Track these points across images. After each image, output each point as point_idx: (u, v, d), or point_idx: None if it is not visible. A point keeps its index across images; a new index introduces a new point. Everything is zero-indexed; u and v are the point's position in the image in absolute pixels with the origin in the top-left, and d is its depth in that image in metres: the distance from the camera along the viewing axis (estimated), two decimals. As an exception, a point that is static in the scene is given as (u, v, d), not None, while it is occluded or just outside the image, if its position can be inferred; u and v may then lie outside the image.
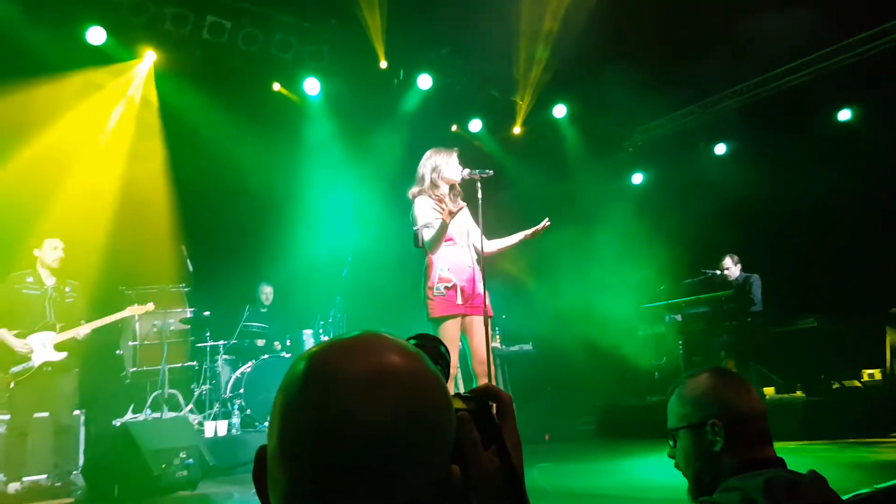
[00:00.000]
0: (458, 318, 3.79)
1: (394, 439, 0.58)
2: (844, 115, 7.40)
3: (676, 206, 8.05)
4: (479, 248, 3.91)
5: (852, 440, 5.17)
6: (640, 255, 7.86)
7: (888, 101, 6.64)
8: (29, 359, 4.87)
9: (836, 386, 6.25)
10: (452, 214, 3.66)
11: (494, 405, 0.82)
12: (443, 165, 3.97)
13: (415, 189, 4.00)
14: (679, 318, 7.17)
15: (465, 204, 3.99)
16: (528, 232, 3.93)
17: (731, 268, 7.24)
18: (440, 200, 3.72)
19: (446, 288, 3.76)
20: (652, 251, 7.83)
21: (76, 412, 5.55)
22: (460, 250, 3.90)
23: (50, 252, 5.08)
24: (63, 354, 4.99)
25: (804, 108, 7.40)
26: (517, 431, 0.82)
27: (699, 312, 7.09)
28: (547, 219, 3.83)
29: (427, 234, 3.82)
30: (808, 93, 7.41)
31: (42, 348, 4.93)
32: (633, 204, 8.62)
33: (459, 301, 3.76)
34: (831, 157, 6.67)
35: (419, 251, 3.93)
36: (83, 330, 5.05)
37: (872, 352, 6.31)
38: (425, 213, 3.87)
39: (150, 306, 5.41)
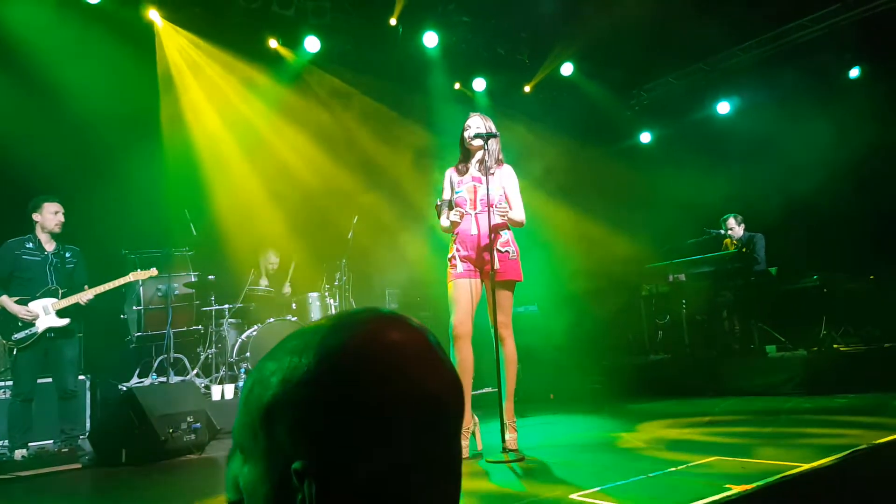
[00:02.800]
0: (466, 282, 3.94)
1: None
2: (854, 72, 7.29)
3: (683, 164, 7.98)
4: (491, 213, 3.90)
5: (852, 395, 5.24)
6: (645, 215, 7.82)
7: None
8: (32, 325, 4.79)
9: (836, 346, 6.31)
10: (454, 224, 3.92)
11: None
12: (463, 132, 4.10)
13: None
14: (683, 277, 7.18)
15: (501, 168, 4.07)
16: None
17: (735, 227, 7.24)
18: (460, 174, 4.07)
19: (449, 258, 4.00)
20: (657, 211, 7.78)
21: (81, 377, 5.51)
22: (468, 218, 3.98)
23: (51, 217, 4.95)
24: (66, 320, 4.91)
25: (813, 65, 7.26)
26: None
27: (703, 272, 7.10)
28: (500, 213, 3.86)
29: (439, 213, 4.06)
30: (818, 50, 7.27)
31: (45, 314, 4.85)
32: (640, 163, 8.55)
33: (460, 269, 3.93)
34: (840, 116, 6.57)
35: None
36: (86, 295, 4.96)
37: (875, 310, 6.35)
38: (443, 189, 4.16)
39: (153, 271, 5.31)
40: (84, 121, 5.75)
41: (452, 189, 4.09)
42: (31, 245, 4.94)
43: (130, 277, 5.18)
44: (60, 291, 4.93)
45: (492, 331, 3.87)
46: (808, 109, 6.96)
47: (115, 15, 6.15)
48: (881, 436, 3.25)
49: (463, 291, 3.90)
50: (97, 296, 5.02)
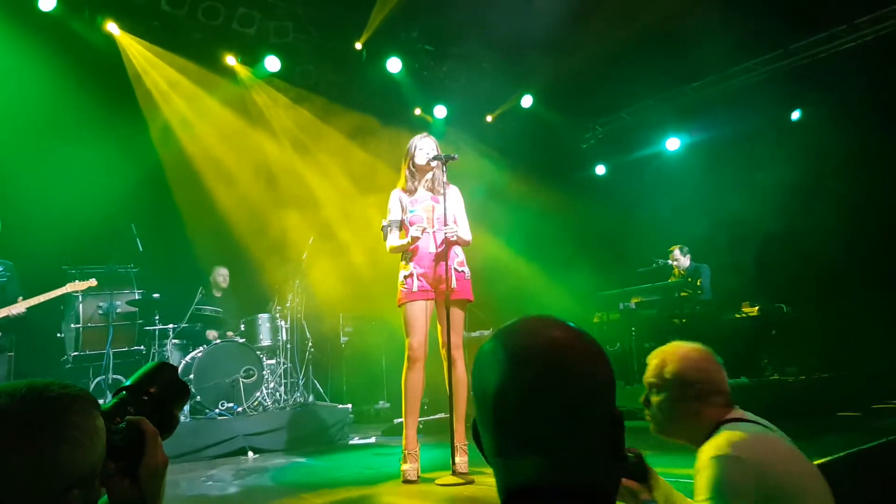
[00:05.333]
0: (422, 304, 3.92)
1: None
2: (795, 114, 7.68)
3: (635, 196, 8.21)
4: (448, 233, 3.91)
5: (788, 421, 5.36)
6: (598, 244, 7.97)
7: (838, 102, 6.92)
8: (-41, 341, 4.54)
9: (775, 375, 6.52)
10: (413, 240, 3.85)
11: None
12: (413, 153, 4.05)
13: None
14: (633, 305, 7.33)
15: (448, 188, 4.02)
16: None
17: (681, 258, 7.47)
18: (410, 193, 4.01)
19: (404, 277, 3.94)
20: (610, 240, 7.95)
21: (10, 398, 5.21)
22: (426, 237, 3.95)
23: (-17, 226, 4.75)
24: (-5, 335, 4.68)
25: (757, 106, 7.62)
26: (156, 461, 0.98)
27: (651, 300, 7.28)
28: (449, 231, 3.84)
29: (387, 234, 4.02)
30: (762, 92, 7.64)
31: (-29, 329, 4.61)
32: (595, 194, 8.76)
33: (415, 288, 3.89)
34: (783, 154, 6.89)
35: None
36: (17, 308, 4.74)
37: (814, 341, 6.61)
38: (391, 210, 4.07)
39: (93, 282, 5.13)
40: (24, 129, 5.55)
41: (403, 209, 4.06)
42: (-39, 257, 4.70)
43: (67, 288, 5.00)
44: (-10, 305, 4.70)
45: (443, 352, 3.85)
46: (753, 147, 7.28)
47: (63, 22, 5.98)
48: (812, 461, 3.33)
49: (420, 314, 3.89)
50: (31, 311, 4.81)
